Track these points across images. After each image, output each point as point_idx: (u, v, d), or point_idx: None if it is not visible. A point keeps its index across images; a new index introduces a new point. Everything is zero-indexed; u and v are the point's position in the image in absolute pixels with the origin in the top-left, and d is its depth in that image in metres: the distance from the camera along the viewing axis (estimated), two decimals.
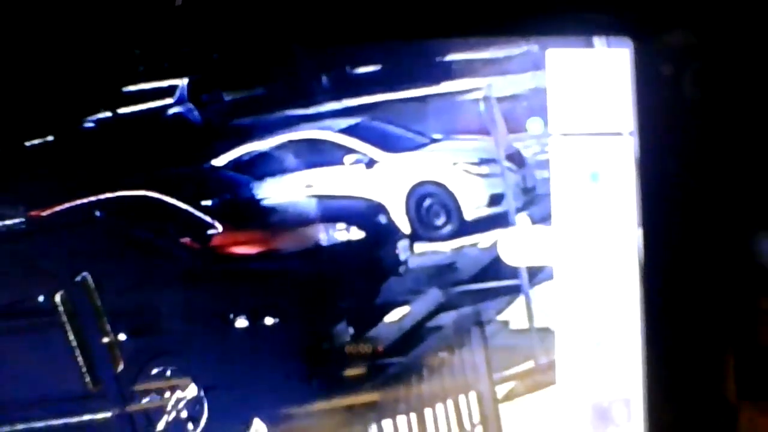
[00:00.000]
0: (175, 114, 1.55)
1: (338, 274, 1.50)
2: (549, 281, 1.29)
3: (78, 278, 1.39)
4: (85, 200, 1.46)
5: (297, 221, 1.50)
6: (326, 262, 1.50)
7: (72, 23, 1.29)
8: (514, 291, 1.48)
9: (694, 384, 1.27)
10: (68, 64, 1.32)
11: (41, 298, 1.43)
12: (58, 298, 1.40)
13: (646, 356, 1.26)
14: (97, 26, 1.29)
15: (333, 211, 1.51)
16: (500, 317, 1.51)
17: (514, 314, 1.51)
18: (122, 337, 1.42)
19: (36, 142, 1.48)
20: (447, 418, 1.45)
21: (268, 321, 1.47)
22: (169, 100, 1.54)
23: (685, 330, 1.27)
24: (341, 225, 1.52)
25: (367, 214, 1.55)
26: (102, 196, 1.46)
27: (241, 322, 1.48)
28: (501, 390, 1.45)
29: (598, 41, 1.29)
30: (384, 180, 1.59)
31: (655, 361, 1.26)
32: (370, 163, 1.60)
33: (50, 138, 1.48)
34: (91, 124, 1.49)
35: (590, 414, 1.26)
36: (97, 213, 1.46)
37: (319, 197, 1.52)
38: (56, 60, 1.31)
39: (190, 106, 1.55)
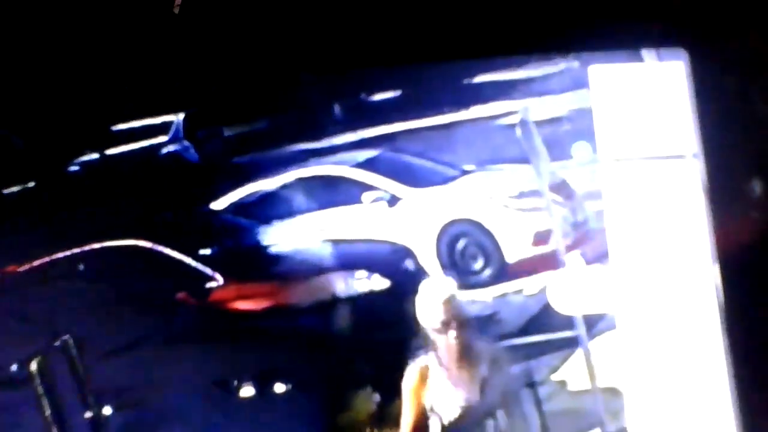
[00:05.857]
0: (169, 153, 1.47)
1: (359, 331, 1.39)
2: (611, 331, 1.21)
3: (58, 342, 1.29)
4: (67, 252, 1.38)
5: (309, 270, 1.41)
6: (345, 317, 1.39)
7: (52, 59, 1.24)
8: (571, 344, 1.35)
9: None
10: (49, 100, 1.27)
11: (14, 368, 1.32)
12: (34, 366, 1.29)
13: (738, 415, 1.15)
14: (79, 60, 1.24)
15: (351, 258, 1.43)
16: (555, 376, 1.38)
17: (571, 372, 1.37)
18: (107, 411, 1.30)
19: (14, 189, 1.41)
20: None
21: (279, 388, 1.36)
22: (162, 138, 1.46)
23: None
24: (361, 273, 1.43)
25: (391, 260, 1.45)
26: (86, 248, 1.38)
27: (247, 391, 1.37)
28: None
29: (648, 54, 1.26)
30: (410, 220, 1.49)
31: (751, 423, 1.16)
32: (393, 201, 1.49)
33: (30, 184, 1.41)
34: (75, 168, 1.43)
35: None
36: (81, 266, 1.38)
37: (335, 242, 1.44)
38: (36, 96, 1.25)
39: (186, 143, 1.48)
